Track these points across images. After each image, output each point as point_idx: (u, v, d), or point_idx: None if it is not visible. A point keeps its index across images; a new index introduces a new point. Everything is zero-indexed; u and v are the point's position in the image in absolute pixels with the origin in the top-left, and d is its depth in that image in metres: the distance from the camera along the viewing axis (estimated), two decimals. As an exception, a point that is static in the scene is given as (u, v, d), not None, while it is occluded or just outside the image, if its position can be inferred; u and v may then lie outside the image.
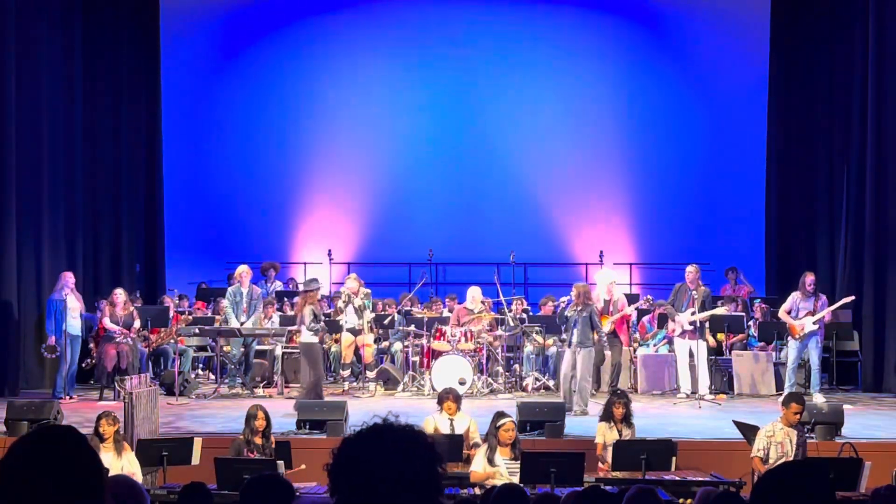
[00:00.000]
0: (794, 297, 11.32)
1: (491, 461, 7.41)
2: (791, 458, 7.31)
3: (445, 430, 7.99)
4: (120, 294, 11.72)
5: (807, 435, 8.54)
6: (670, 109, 15.96)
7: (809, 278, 11.31)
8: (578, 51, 16.07)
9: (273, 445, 7.73)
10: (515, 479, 7.06)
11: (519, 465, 7.33)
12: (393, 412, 2.09)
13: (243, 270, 12.12)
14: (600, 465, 7.83)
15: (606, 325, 11.07)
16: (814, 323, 11.09)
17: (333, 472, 1.98)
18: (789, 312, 11.30)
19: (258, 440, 7.65)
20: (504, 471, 7.36)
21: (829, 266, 13.98)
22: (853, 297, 11.74)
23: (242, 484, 6.37)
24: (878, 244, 12.44)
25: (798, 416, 7.60)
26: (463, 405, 10.32)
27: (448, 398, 8.19)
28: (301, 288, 10.86)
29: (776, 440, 7.51)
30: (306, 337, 10.49)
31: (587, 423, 9.18)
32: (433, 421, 8.17)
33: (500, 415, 7.71)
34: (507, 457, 7.46)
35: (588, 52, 16.09)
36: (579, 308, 10.43)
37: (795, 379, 11.33)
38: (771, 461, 7.44)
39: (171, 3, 15.62)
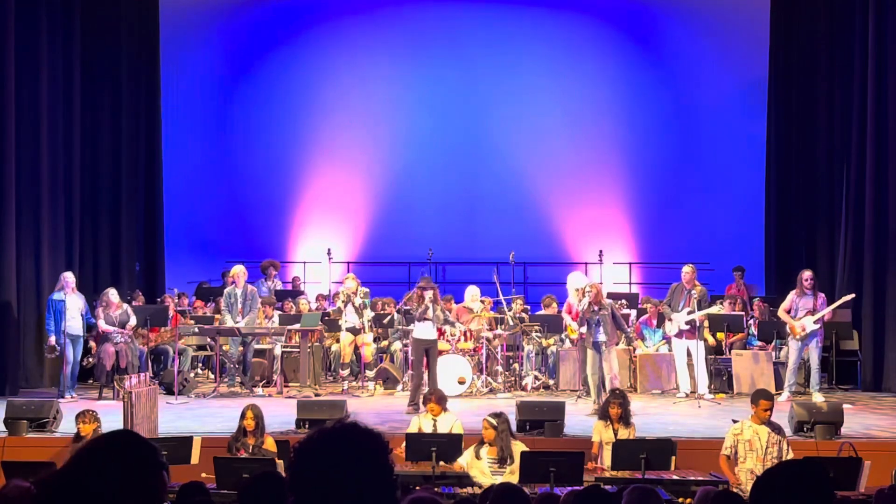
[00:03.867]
0: (793, 295, 11.32)
1: (478, 454, 7.44)
2: (763, 457, 7.30)
3: (428, 430, 8.01)
4: (112, 294, 11.69)
5: (806, 434, 8.54)
6: (670, 109, 15.97)
7: (805, 274, 11.31)
8: (579, 51, 16.08)
9: (265, 446, 7.68)
10: (499, 479, 7.07)
11: (504, 471, 7.32)
12: (352, 413, 2.14)
13: (238, 271, 12.11)
14: (593, 463, 7.81)
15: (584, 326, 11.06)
16: (814, 322, 11.08)
17: (290, 474, 2.01)
18: (788, 311, 11.28)
19: (250, 440, 7.64)
20: (486, 467, 7.37)
21: (829, 266, 13.97)
22: (854, 295, 11.72)
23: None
24: (878, 244, 12.43)
25: (768, 413, 7.54)
26: (462, 404, 10.38)
27: (430, 399, 8.22)
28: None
29: (744, 438, 7.47)
30: (415, 333, 10.67)
31: (587, 422, 9.18)
32: (417, 421, 8.20)
33: (491, 414, 7.72)
34: (493, 457, 7.48)
35: (588, 52, 16.11)
36: (597, 308, 10.41)
37: (796, 378, 11.32)
38: (740, 459, 7.42)
39: (170, 3, 15.62)
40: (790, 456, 7.38)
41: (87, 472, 2.04)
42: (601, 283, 11.79)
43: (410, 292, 13.94)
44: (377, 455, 2.00)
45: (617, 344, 10.65)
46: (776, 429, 7.58)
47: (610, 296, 11.80)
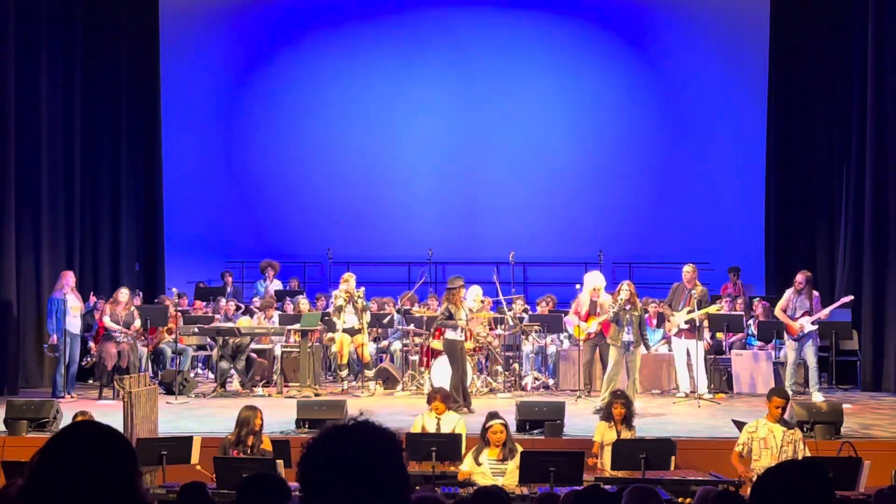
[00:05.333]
0: (789, 295, 11.36)
1: (477, 460, 7.43)
2: (777, 455, 7.30)
3: (432, 429, 8.01)
4: (124, 293, 11.73)
5: (806, 434, 8.53)
6: (670, 109, 15.96)
7: (798, 277, 11.37)
8: (578, 52, 16.08)
9: (263, 446, 7.67)
10: (500, 480, 7.10)
11: (506, 466, 7.34)
12: (364, 410, 2.12)
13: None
14: (597, 461, 7.81)
15: (593, 326, 11.07)
16: (811, 323, 11.11)
17: (301, 472, 1.99)
18: (785, 311, 11.32)
19: (249, 440, 7.62)
20: (487, 470, 7.38)
21: (829, 266, 13.97)
22: (852, 297, 11.76)
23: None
24: (878, 244, 12.43)
25: (780, 411, 7.55)
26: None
27: (436, 398, 8.22)
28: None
29: (758, 436, 7.48)
30: (448, 334, 10.64)
31: (587, 423, 9.19)
32: (421, 420, 8.19)
33: (490, 416, 7.71)
34: (494, 457, 7.47)
35: (588, 53, 16.10)
36: (629, 307, 10.38)
37: (795, 378, 11.33)
38: (754, 457, 7.43)
39: (170, 3, 15.62)
40: (806, 454, 7.40)
41: (61, 462, 2.02)
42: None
43: (409, 292, 13.97)
44: (390, 454, 1.99)
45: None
46: (791, 427, 7.59)
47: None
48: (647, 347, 10.90)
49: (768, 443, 7.43)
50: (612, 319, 10.53)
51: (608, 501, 4.31)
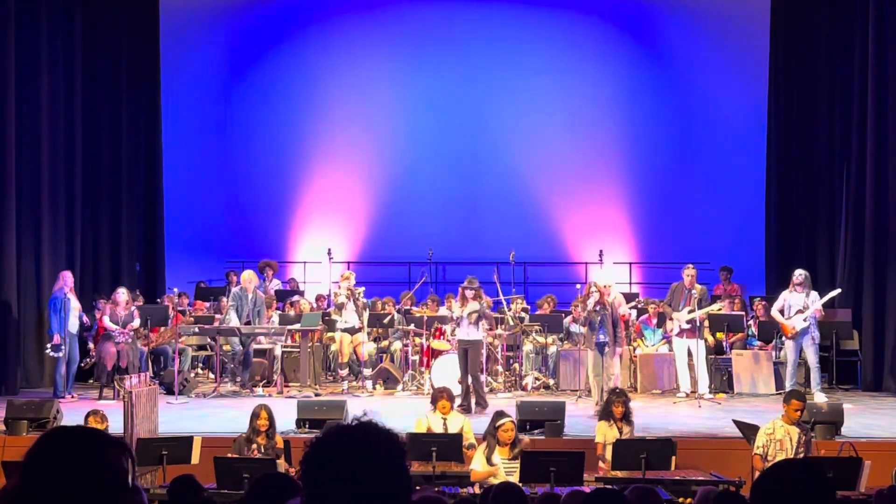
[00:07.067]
0: (784, 294, 11.40)
1: (489, 460, 7.41)
2: (792, 456, 7.30)
3: (438, 429, 7.98)
4: (122, 293, 11.73)
5: (811, 435, 8.54)
6: (670, 109, 15.96)
7: (794, 273, 11.41)
8: (579, 51, 16.08)
9: (279, 445, 7.71)
10: (513, 479, 7.08)
11: (516, 465, 7.33)
12: (368, 410, 2.12)
13: (250, 277, 12.12)
14: (601, 464, 7.83)
15: None
16: (804, 320, 11.13)
17: (303, 471, 1.99)
18: (781, 311, 11.35)
19: (261, 440, 7.64)
20: (501, 470, 7.37)
21: (829, 266, 13.96)
22: (839, 290, 11.83)
23: (243, 483, 6.39)
24: (878, 244, 12.43)
25: (799, 414, 7.57)
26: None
27: (442, 397, 8.18)
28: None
29: (776, 437, 7.49)
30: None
31: (587, 423, 9.18)
32: (426, 420, 8.16)
33: (499, 415, 7.70)
34: (505, 456, 7.46)
35: (589, 52, 16.10)
36: (599, 308, 10.37)
37: (795, 378, 11.34)
38: (770, 458, 7.43)
39: (170, 2, 15.63)
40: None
41: (45, 466, 2.01)
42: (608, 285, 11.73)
43: (409, 291, 13.97)
44: (393, 457, 1.98)
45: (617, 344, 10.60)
46: (805, 429, 7.61)
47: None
48: (622, 345, 10.90)
49: (784, 444, 7.44)
50: (582, 324, 10.58)
51: (620, 503, 4.27)
